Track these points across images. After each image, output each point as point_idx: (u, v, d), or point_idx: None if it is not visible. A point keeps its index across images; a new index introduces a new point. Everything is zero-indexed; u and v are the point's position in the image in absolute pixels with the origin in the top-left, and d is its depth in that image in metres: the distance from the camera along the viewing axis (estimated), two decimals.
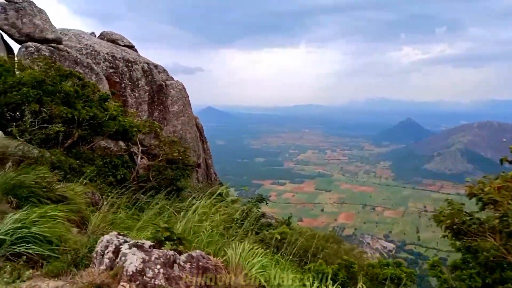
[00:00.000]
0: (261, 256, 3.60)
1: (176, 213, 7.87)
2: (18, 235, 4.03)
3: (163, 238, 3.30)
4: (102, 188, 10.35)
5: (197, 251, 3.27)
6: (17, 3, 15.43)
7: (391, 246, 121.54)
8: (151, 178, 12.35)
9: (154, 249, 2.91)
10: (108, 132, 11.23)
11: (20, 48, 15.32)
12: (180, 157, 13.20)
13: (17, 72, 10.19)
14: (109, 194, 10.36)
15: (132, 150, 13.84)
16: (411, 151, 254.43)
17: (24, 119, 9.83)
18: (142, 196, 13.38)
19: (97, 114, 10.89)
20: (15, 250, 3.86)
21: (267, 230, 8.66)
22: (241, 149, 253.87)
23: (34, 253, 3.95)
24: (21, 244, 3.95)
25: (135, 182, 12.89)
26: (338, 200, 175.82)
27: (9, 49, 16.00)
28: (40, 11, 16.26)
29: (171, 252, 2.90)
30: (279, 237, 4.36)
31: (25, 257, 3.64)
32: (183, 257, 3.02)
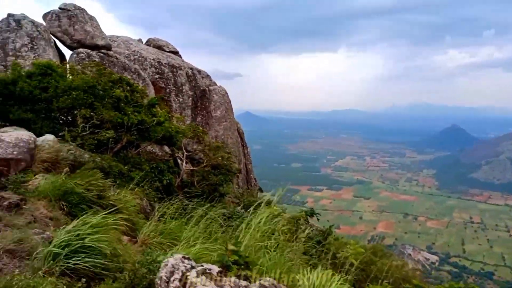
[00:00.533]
0: (338, 283, 3.15)
1: (223, 222, 7.58)
2: (72, 248, 3.83)
3: (231, 263, 2.94)
4: (149, 193, 10.30)
5: (268, 278, 2.88)
6: (69, 10, 15.95)
7: (434, 258, 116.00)
8: (195, 184, 12.20)
9: (224, 278, 2.55)
10: (155, 137, 11.19)
11: (71, 54, 15.82)
12: (225, 163, 12.97)
13: (69, 77, 10.39)
14: (155, 200, 10.29)
15: (176, 155, 13.80)
16: (457, 159, 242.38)
17: (76, 123, 9.98)
18: (187, 202, 13.27)
19: (145, 120, 10.88)
20: (69, 264, 3.66)
21: (317, 246, 8.16)
22: (278, 154, 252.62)
23: (89, 268, 3.74)
24: (76, 257, 3.75)
25: (179, 188, 12.81)
26: (377, 208, 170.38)
27: (61, 55, 16.57)
28: (91, 18, 16.74)
29: (244, 283, 2.53)
30: (355, 262, 3.88)
31: (81, 276, 3.40)
32: (255, 287, 2.63)
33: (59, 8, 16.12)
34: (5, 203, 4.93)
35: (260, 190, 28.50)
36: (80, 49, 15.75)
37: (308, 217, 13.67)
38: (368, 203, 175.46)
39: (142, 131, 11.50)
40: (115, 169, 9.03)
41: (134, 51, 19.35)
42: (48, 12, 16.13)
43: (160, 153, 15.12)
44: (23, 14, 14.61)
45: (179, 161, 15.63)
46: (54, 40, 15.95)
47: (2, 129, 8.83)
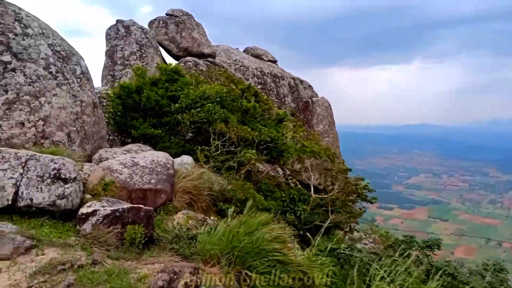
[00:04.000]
0: None
1: None
2: None
3: None
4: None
5: None
6: (177, 16, 14.82)
7: None
8: (330, 216, 9.87)
9: None
10: (288, 158, 9.14)
11: (178, 63, 14.60)
12: (361, 191, 10.58)
13: (200, 86, 8.73)
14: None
15: (301, 178, 11.64)
16: None
17: (201, 140, 8.24)
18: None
19: (278, 137, 8.89)
20: None
21: None
22: None
23: None
24: None
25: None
26: (455, 232, 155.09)
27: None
28: (198, 24, 15.50)
29: None
30: None
31: None
32: None
33: (166, 14, 15.08)
34: (181, 284, 2.95)
35: None
36: (188, 58, 14.50)
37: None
38: (445, 225, 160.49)
39: (270, 150, 9.51)
40: (257, 200, 7.04)
41: (235, 60, 17.86)
42: (155, 19, 15.16)
43: (272, 174, 13.11)
44: (132, 20, 13.64)
45: (291, 185, 13.47)
46: (160, 50, 14.89)
47: (126, 147, 7.31)
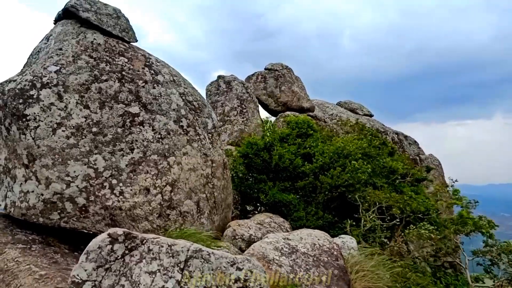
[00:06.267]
0: None
1: None
2: None
3: None
4: None
5: None
6: (277, 70, 14.01)
7: None
8: None
9: None
10: (444, 233, 7.04)
11: (277, 118, 13.51)
12: None
13: (335, 140, 7.25)
14: None
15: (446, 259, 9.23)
16: None
17: (342, 209, 6.54)
18: None
19: (430, 205, 6.92)
20: None
21: None
22: None
23: None
24: None
25: None
26: None
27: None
28: (297, 78, 14.56)
29: None
30: None
31: None
32: None
33: (265, 68, 14.40)
34: None
35: None
36: (287, 112, 13.37)
37: None
38: None
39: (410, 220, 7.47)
40: None
41: (332, 114, 16.45)
42: (253, 74, 14.53)
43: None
44: (233, 75, 13.03)
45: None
46: (258, 106, 14.05)
47: (257, 219, 5.79)
